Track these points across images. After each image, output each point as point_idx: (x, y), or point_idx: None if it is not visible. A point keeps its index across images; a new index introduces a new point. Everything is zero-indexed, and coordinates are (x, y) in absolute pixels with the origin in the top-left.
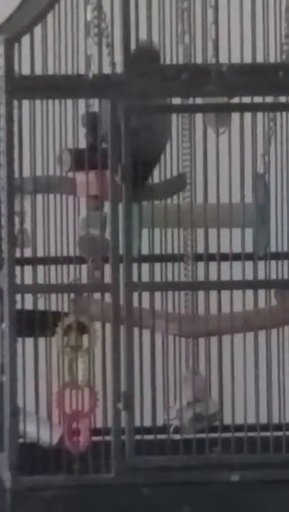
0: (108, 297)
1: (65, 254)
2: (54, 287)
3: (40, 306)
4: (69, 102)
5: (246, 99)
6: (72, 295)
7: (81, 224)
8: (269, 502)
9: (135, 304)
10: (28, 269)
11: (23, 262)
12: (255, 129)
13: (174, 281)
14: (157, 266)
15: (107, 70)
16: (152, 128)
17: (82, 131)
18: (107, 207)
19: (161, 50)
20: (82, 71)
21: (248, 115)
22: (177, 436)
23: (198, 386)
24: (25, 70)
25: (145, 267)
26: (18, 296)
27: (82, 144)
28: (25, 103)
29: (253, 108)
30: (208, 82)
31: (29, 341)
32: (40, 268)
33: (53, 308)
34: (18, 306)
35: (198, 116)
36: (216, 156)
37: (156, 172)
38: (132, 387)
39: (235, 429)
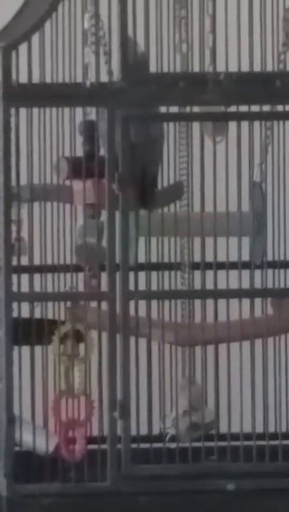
0: (105, 305)
1: (61, 262)
2: (51, 295)
3: (37, 314)
4: (66, 110)
5: (243, 108)
6: (68, 303)
7: (78, 232)
8: (265, 511)
9: (132, 312)
10: (24, 277)
11: (19, 270)
12: (252, 138)
13: (170, 289)
14: (154, 274)
15: (104, 78)
16: (150, 139)
17: (79, 139)
18: (104, 215)
19: (159, 58)
20: (79, 79)
21: (245, 124)
22: (173, 445)
23: (194, 395)
24: (23, 78)
25: (142, 275)
26: (15, 304)
27: (80, 152)
28: (23, 111)
29: (250, 117)
30: (205, 91)
31: (26, 349)
32: (36, 276)
33: (50, 316)
34: (15, 314)
35: (196, 125)
36: (213, 165)
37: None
38: (128, 395)
39: (232, 438)
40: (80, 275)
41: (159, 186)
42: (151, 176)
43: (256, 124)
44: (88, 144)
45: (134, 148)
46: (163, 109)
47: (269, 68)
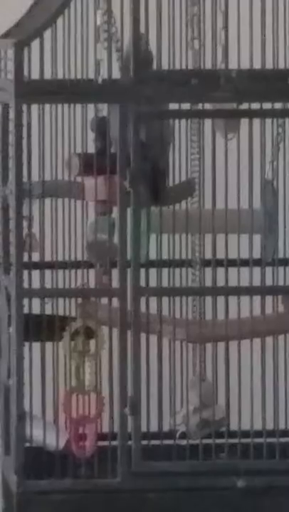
0: (116, 302)
1: (72, 258)
2: (61, 292)
3: (48, 311)
4: (78, 106)
5: (255, 105)
6: (79, 300)
7: (89, 229)
8: (275, 508)
9: (142, 309)
10: (35, 273)
11: (30, 266)
12: (264, 135)
13: (181, 286)
14: (165, 271)
15: (116, 74)
16: (159, 135)
17: (91, 135)
18: (115, 212)
19: (171, 55)
20: (91, 76)
21: (256, 121)
22: (184, 442)
23: (204, 392)
24: (35, 75)
25: (153, 272)
26: (26, 301)
27: (91, 149)
28: (35, 107)
29: (262, 114)
30: (217, 88)
31: (36, 346)
32: (47, 272)
33: (61, 312)
34: (26, 310)
35: (207, 122)
36: (225, 162)
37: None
38: (138, 392)
39: (242, 435)
40: (91, 271)
41: (171, 183)
42: (160, 172)
43: (268, 121)
44: (100, 140)
45: (144, 145)
46: (175, 106)
47: (281, 65)
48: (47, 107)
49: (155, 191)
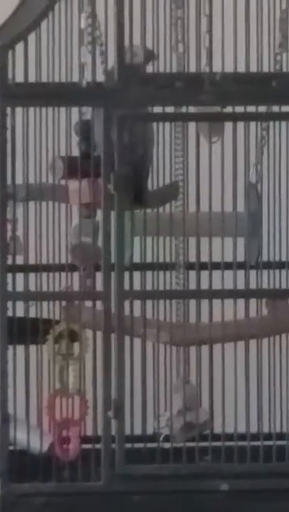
0: (99, 305)
1: (56, 261)
2: (45, 295)
3: (32, 314)
4: (62, 109)
5: (239, 109)
6: (63, 303)
7: (73, 232)
8: (259, 511)
9: (126, 312)
10: (19, 276)
11: (14, 269)
12: (248, 139)
13: (165, 289)
14: (149, 274)
15: (100, 78)
16: (141, 138)
17: (75, 139)
18: (99, 215)
19: (155, 58)
20: (75, 79)
21: (241, 124)
22: (167, 445)
23: (188, 395)
24: (19, 78)
25: (137, 275)
26: (10, 304)
27: (75, 152)
28: (19, 110)
29: (246, 117)
30: (201, 91)
31: (20, 348)
32: (31, 275)
33: (45, 315)
34: (10, 313)
35: (192, 125)
36: (209, 165)
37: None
38: (122, 395)
39: (226, 438)
40: (75, 275)
41: (155, 186)
42: (142, 175)
43: (252, 124)
44: (84, 143)
45: (125, 147)
46: (159, 109)
47: (265, 69)
48: (31, 110)
49: (137, 194)
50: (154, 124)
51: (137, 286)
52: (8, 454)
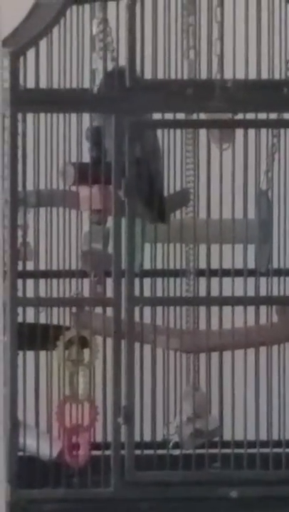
0: (110, 311)
1: (67, 267)
2: (56, 301)
3: (42, 320)
4: (73, 115)
5: (250, 116)
6: (73, 309)
7: (84, 238)
8: None
9: (137, 318)
10: (30, 282)
11: (25, 275)
12: (259, 146)
13: (175, 296)
14: (159, 281)
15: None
16: (152, 153)
17: (86, 145)
18: (110, 221)
19: (166, 64)
20: (86, 85)
21: (251, 131)
22: (177, 452)
23: (198, 402)
24: (30, 84)
25: (147, 281)
26: (20, 309)
27: (86, 158)
28: (30, 116)
29: (257, 124)
30: (212, 98)
31: (30, 354)
32: (42, 281)
33: (55, 321)
34: (20, 319)
35: (202, 132)
36: (220, 172)
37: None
38: (132, 401)
39: (235, 446)
40: (86, 281)
41: (166, 193)
42: (161, 191)
43: (263, 131)
44: (95, 150)
45: (139, 163)
46: (170, 116)
47: (276, 76)
48: (42, 116)
49: (160, 211)
50: (165, 131)
51: (147, 293)
52: (18, 460)
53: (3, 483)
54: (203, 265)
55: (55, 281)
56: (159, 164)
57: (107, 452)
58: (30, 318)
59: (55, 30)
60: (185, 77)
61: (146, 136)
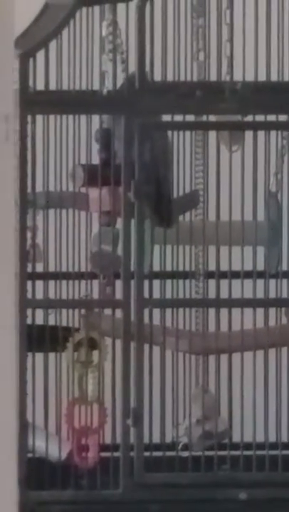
0: (119, 313)
1: (76, 269)
2: (65, 302)
3: (51, 321)
4: (83, 117)
5: (260, 117)
6: (83, 310)
7: (93, 240)
8: None
9: (146, 320)
10: (39, 283)
11: (34, 276)
12: (269, 147)
13: (185, 298)
14: (168, 283)
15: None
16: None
17: (95, 147)
18: (119, 223)
19: (176, 66)
20: (96, 87)
21: (261, 133)
22: (186, 454)
23: (207, 404)
24: (40, 85)
25: (156, 283)
26: (29, 311)
27: (96, 160)
28: (39, 118)
29: (267, 126)
30: (222, 100)
31: (39, 356)
32: (51, 283)
33: (64, 323)
34: (29, 320)
35: (212, 134)
36: (229, 174)
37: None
38: (141, 403)
39: (244, 447)
40: (95, 282)
41: (175, 195)
42: (168, 196)
43: (272, 133)
44: (104, 151)
45: (148, 167)
46: (179, 118)
47: (286, 78)
48: (52, 117)
49: (166, 216)
50: (175, 133)
51: (156, 295)
52: (27, 461)
53: (13, 484)
54: (212, 267)
55: (64, 282)
56: (168, 169)
57: (116, 454)
58: (39, 319)
59: (65, 32)
60: (194, 79)
61: (157, 139)
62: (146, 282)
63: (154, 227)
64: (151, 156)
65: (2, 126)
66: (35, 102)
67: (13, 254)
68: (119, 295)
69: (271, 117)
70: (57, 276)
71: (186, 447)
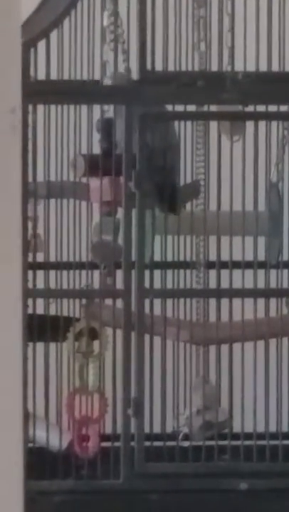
0: (120, 303)
1: (77, 259)
2: (66, 292)
3: (52, 311)
4: (84, 107)
5: (261, 108)
6: (84, 300)
7: (94, 229)
8: (277, 511)
9: (147, 310)
10: (40, 273)
11: (35, 266)
12: (270, 138)
13: (185, 288)
14: (169, 273)
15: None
16: (169, 145)
17: (96, 136)
18: (120, 213)
19: (177, 56)
20: (97, 77)
21: (262, 123)
22: (186, 444)
23: (208, 393)
24: (41, 75)
25: (157, 273)
26: (30, 301)
27: (97, 150)
28: (40, 108)
29: (268, 116)
30: (223, 90)
31: (40, 346)
32: (52, 273)
33: (65, 313)
34: (30, 310)
35: (213, 124)
36: (230, 164)
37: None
38: (142, 393)
39: (245, 437)
40: (96, 272)
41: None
42: (176, 184)
43: (274, 123)
44: (105, 141)
45: (153, 155)
46: (180, 108)
47: (287, 68)
48: (53, 107)
49: (172, 204)
50: (176, 123)
51: (157, 285)
52: (28, 451)
53: (16, 474)
54: (213, 257)
55: (65, 272)
56: (175, 157)
57: (117, 444)
58: (40, 309)
59: (66, 21)
60: (196, 69)
61: (165, 127)
62: (147, 272)
63: (155, 217)
64: (159, 143)
65: (9, 118)
66: (36, 92)
67: (19, 247)
68: (120, 285)
69: (272, 107)
70: (58, 266)
71: (186, 437)
